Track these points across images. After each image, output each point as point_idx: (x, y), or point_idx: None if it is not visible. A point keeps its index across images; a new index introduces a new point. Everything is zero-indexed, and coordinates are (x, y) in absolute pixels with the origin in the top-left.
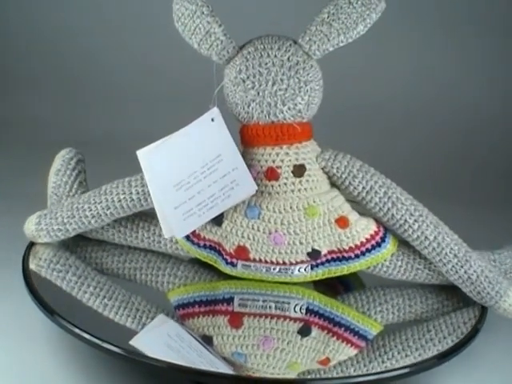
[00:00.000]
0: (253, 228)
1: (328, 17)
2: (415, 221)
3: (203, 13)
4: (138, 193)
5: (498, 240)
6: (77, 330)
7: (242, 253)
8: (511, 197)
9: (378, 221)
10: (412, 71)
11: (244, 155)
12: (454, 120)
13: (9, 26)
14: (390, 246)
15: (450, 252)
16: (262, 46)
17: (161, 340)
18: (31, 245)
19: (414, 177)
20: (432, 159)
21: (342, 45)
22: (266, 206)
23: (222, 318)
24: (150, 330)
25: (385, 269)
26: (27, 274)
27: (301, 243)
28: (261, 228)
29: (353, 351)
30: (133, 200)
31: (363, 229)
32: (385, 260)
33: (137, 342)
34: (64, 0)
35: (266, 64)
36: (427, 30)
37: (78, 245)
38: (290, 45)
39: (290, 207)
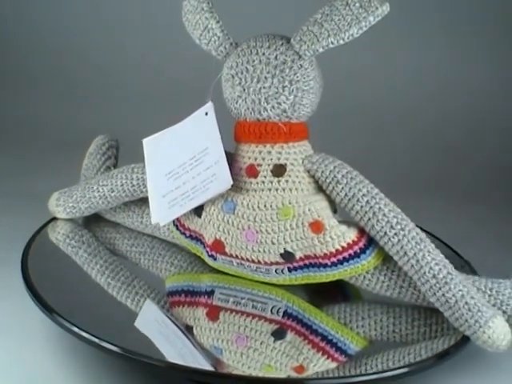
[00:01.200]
0: (228, 222)
1: (321, 17)
2: (395, 234)
3: (203, 9)
4: (138, 179)
5: (497, 239)
6: (76, 329)
7: (218, 246)
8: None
9: (362, 231)
10: (411, 71)
11: (235, 151)
12: (454, 119)
13: (9, 26)
14: (371, 259)
15: (429, 272)
16: (254, 44)
17: (152, 326)
18: (30, 244)
19: (413, 176)
20: (431, 158)
21: (332, 46)
22: (242, 202)
23: (201, 309)
24: (142, 314)
25: (367, 282)
26: (26, 273)
27: (272, 243)
28: (235, 223)
29: (329, 363)
30: (133, 185)
31: (339, 236)
32: (367, 272)
33: (138, 325)
34: (63, 0)
35: (254, 61)
36: (427, 29)
37: (97, 224)
38: (282, 44)
39: (264, 205)
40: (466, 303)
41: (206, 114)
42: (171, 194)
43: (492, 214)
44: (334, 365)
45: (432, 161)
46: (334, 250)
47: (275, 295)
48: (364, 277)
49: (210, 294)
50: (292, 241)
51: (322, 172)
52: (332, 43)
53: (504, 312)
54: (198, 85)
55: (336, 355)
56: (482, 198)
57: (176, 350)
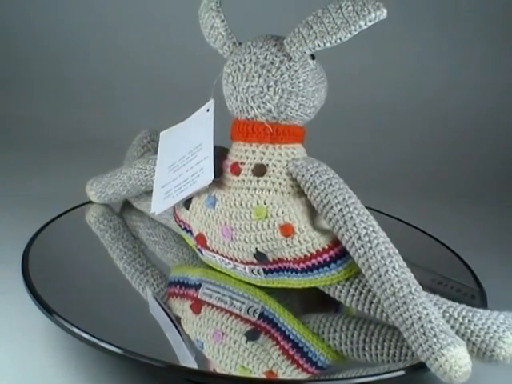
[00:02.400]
0: (208, 217)
1: (313, 19)
2: (362, 246)
3: (211, 8)
4: (150, 169)
5: (496, 239)
6: (76, 330)
7: (201, 240)
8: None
9: (337, 240)
10: (411, 71)
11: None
12: (453, 119)
13: (8, 26)
14: (342, 270)
15: (390, 289)
16: (250, 43)
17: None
18: (30, 244)
19: (413, 176)
20: (430, 158)
21: (319, 49)
22: (221, 198)
23: (188, 302)
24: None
25: (338, 293)
26: (27, 274)
27: (245, 241)
28: (214, 218)
29: (298, 373)
30: (147, 175)
31: (307, 242)
32: (338, 283)
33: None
34: (63, 1)
35: (245, 60)
36: (426, 29)
37: (128, 211)
38: (275, 45)
39: (240, 203)
40: (422, 326)
41: (208, 110)
42: (168, 186)
43: (492, 214)
44: (302, 375)
45: (432, 161)
46: (302, 256)
47: (254, 296)
48: (336, 287)
49: (198, 287)
50: (263, 241)
51: (303, 176)
52: (319, 45)
53: (473, 343)
54: (197, 85)
55: (305, 365)
56: (482, 198)
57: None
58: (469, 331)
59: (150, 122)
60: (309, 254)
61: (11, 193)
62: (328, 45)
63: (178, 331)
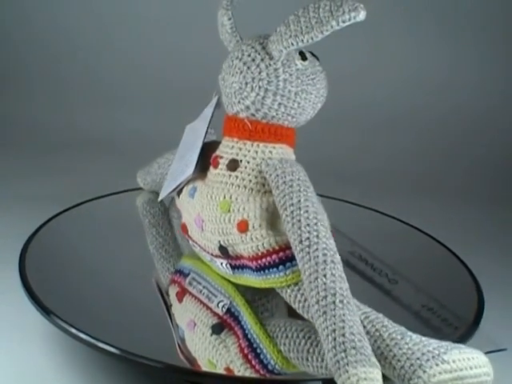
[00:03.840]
0: (189, 206)
1: (293, 18)
2: (301, 250)
3: (222, 6)
4: (172, 159)
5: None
6: (73, 330)
7: (184, 228)
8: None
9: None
10: (410, 71)
11: None
12: (452, 119)
13: (7, 26)
14: (291, 274)
15: (315, 296)
16: (245, 41)
17: None
18: (28, 245)
19: (411, 176)
20: (429, 158)
21: (293, 47)
22: (199, 189)
23: (176, 290)
24: None
25: (288, 297)
26: (24, 274)
27: (211, 233)
28: (192, 208)
29: (250, 373)
30: (169, 165)
31: (259, 240)
32: (288, 287)
33: None
34: (63, 2)
35: (234, 56)
36: (425, 29)
37: (171, 201)
38: (262, 42)
39: (211, 196)
40: (335, 340)
41: (211, 106)
42: (171, 175)
43: (491, 214)
44: (253, 375)
45: (430, 161)
46: (253, 254)
47: (225, 291)
48: (286, 291)
49: (186, 276)
50: (224, 235)
51: (270, 175)
52: (292, 44)
53: (394, 368)
54: (197, 85)
55: (257, 366)
56: (480, 197)
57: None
58: (391, 354)
59: (150, 122)
60: (259, 253)
61: (9, 192)
62: (301, 44)
63: (170, 317)
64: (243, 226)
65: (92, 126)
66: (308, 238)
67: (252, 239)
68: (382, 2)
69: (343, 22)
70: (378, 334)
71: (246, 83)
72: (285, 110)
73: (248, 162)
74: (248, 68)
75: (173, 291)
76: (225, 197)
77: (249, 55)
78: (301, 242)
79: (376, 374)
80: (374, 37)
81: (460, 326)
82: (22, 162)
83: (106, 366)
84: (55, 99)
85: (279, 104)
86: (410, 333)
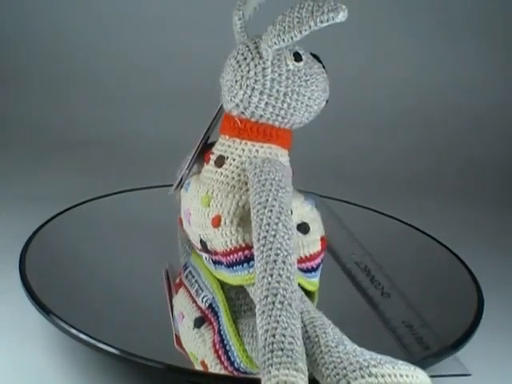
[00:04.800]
0: (183, 200)
1: (280, 17)
2: (257, 249)
3: (236, 6)
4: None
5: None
6: (73, 331)
7: (180, 221)
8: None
9: None
10: (409, 72)
11: None
12: (451, 119)
13: (6, 26)
14: (254, 272)
15: (259, 295)
16: (244, 40)
17: None
18: (28, 244)
19: (412, 176)
20: (428, 159)
21: (277, 47)
22: (192, 184)
23: (176, 282)
24: None
25: (253, 296)
26: (24, 274)
27: (195, 227)
28: (185, 201)
29: (220, 369)
30: None
31: (228, 236)
32: (252, 285)
33: None
34: (62, 2)
35: (231, 55)
36: (425, 30)
37: None
38: (256, 41)
39: (197, 190)
40: (265, 340)
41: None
42: (179, 172)
43: (490, 214)
44: (222, 372)
45: (429, 161)
46: (223, 249)
47: (211, 285)
48: (251, 290)
49: (186, 269)
50: (203, 229)
51: (249, 174)
52: (275, 43)
53: (323, 376)
54: (198, 85)
55: (225, 363)
56: (479, 197)
57: None
58: (323, 361)
59: (151, 123)
60: (228, 249)
61: (10, 192)
62: (282, 44)
63: (171, 308)
64: (216, 222)
65: (93, 125)
66: (265, 237)
67: (222, 235)
68: (382, 2)
69: (321, 22)
70: (316, 339)
71: (236, 81)
72: (273, 110)
73: (234, 160)
74: (239, 66)
75: (174, 283)
76: (207, 192)
77: (242, 54)
78: (258, 240)
79: (298, 378)
80: (372, 37)
81: (433, 346)
82: (22, 162)
83: (106, 367)
84: (56, 99)
85: (266, 103)
86: (347, 342)
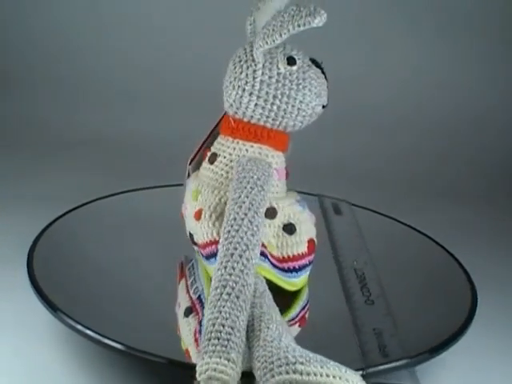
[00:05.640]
0: (185, 194)
1: (269, 20)
2: (221, 242)
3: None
4: None
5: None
6: (80, 327)
7: (181, 215)
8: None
9: None
10: (409, 73)
11: None
12: (450, 121)
13: (7, 27)
14: None
15: (212, 286)
16: (246, 44)
17: None
18: (35, 243)
19: (411, 177)
20: (427, 160)
21: (262, 49)
22: (191, 179)
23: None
24: None
25: None
26: (32, 272)
27: (187, 219)
28: (185, 196)
29: (197, 357)
30: None
31: (204, 230)
32: None
33: None
34: (64, 3)
35: (232, 57)
36: (425, 31)
37: None
38: (252, 45)
39: (191, 185)
40: (206, 328)
41: None
42: None
43: (489, 215)
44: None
45: (428, 162)
46: (202, 242)
47: (202, 277)
48: None
49: (190, 261)
50: (190, 222)
51: (234, 171)
52: (261, 46)
53: (254, 368)
54: (199, 86)
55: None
56: (479, 198)
57: None
58: (257, 354)
59: (153, 123)
60: (205, 242)
61: (16, 193)
62: (266, 46)
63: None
64: (198, 215)
65: (97, 126)
66: (228, 232)
67: (201, 228)
68: (382, 4)
69: (298, 26)
70: (258, 333)
71: (230, 82)
72: (262, 111)
73: (224, 157)
74: (234, 68)
75: (180, 274)
76: (198, 186)
77: (239, 56)
78: (223, 234)
79: (228, 368)
80: (372, 39)
81: (393, 355)
82: (27, 163)
83: (113, 363)
84: (55, 100)
85: (256, 104)
86: (285, 338)
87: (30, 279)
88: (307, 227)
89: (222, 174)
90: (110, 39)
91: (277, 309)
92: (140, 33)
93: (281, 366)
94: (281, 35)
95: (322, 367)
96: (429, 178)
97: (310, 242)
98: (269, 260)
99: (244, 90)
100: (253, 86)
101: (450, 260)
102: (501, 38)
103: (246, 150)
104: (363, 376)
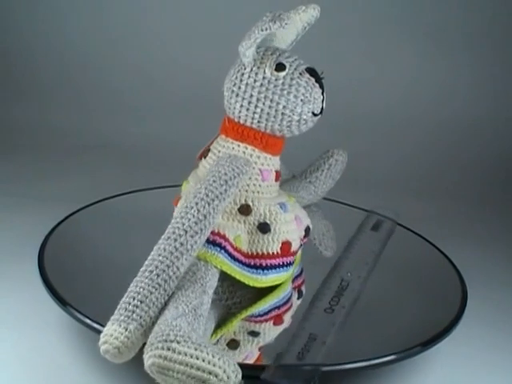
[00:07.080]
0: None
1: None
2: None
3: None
4: None
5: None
6: (88, 321)
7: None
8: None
9: None
10: (407, 81)
11: None
12: (449, 126)
13: (10, 28)
14: None
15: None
16: None
17: None
18: (46, 240)
19: (411, 177)
20: (426, 163)
21: (241, 53)
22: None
23: None
24: None
25: None
26: (43, 269)
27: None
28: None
29: None
30: None
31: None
32: None
33: None
34: (67, 7)
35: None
36: (423, 39)
37: None
38: None
39: (187, 180)
40: (122, 298)
41: None
42: None
43: (487, 215)
44: None
45: (427, 165)
46: None
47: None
48: None
49: None
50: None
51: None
52: (240, 50)
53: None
54: (204, 92)
55: None
56: (477, 199)
57: None
58: (153, 329)
59: (155, 128)
60: None
61: (29, 193)
62: (243, 50)
63: None
64: (176, 202)
65: (106, 130)
66: (175, 218)
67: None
68: (379, 13)
69: (262, 30)
70: (165, 312)
71: (226, 83)
72: (247, 113)
73: (214, 154)
74: (231, 71)
75: None
76: (187, 179)
77: (238, 60)
78: (168, 228)
79: (123, 336)
80: (370, 47)
81: (308, 360)
82: (39, 166)
83: None
84: (59, 104)
85: (241, 106)
86: (182, 319)
87: (41, 275)
88: (286, 229)
89: (208, 168)
90: (122, 50)
91: (206, 298)
92: (151, 44)
93: (160, 341)
94: (250, 39)
95: (196, 349)
96: (428, 181)
97: (285, 243)
98: (227, 252)
99: (233, 91)
100: (239, 87)
101: (441, 257)
102: (494, 49)
103: (233, 148)
104: (263, 368)
